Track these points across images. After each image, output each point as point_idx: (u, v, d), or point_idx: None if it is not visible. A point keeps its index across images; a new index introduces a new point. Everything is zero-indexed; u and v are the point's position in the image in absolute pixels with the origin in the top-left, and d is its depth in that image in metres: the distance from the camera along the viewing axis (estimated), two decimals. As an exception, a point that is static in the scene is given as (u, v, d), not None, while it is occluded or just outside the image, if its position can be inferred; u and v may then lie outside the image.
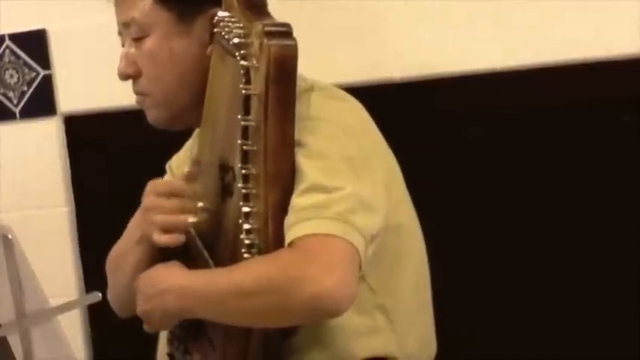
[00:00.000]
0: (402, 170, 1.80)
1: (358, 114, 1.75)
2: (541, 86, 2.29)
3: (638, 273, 2.25)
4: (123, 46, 1.81)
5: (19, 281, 2.47)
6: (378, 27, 2.38)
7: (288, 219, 1.54)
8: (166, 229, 1.66)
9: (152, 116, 1.81)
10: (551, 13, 2.27)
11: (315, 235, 1.51)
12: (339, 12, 2.39)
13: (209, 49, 1.72)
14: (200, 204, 1.69)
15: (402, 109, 2.34)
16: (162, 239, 1.66)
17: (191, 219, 1.66)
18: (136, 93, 1.81)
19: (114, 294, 1.93)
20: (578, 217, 2.31)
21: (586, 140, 2.29)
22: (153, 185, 1.73)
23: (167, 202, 1.68)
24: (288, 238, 1.53)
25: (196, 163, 1.75)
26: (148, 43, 1.75)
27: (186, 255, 1.73)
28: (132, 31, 1.77)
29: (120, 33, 1.81)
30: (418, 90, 2.36)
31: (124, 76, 1.79)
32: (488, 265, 2.36)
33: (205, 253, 1.69)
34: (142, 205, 1.74)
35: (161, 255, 1.77)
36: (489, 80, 2.31)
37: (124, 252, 1.85)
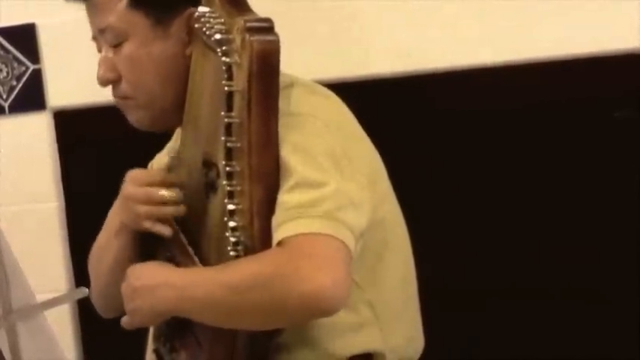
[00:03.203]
0: (391, 166, 1.79)
1: (339, 110, 1.75)
2: (532, 82, 2.30)
3: (635, 271, 2.25)
4: (99, 51, 1.79)
5: (5, 276, 2.47)
6: (367, 23, 2.39)
7: (277, 217, 1.54)
8: (149, 218, 1.70)
9: (134, 118, 1.81)
10: (542, 10, 2.27)
11: (305, 234, 1.50)
12: (327, 8, 2.39)
13: (188, 50, 1.71)
14: (178, 193, 1.71)
15: (390, 105, 2.35)
16: (156, 227, 1.70)
17: (174, 209, 1.70)
18: (117, 97, 1.80)
19: (97, 291, 1.93)
20: (571, 213, 2.32)
21: (577, 136, 2.29)
22: (134, 175, 1.75)
23: (146, 190, 1.70)
24: (277, 237, 1.52)
25: (175, 156, 1.79)
26: (127, 49, 1.74)
27: (170, 251, 1.72)
28: (108, 38, 1.75)
29: (94, 38, 1.80)
30: (407, 86, 2.36)
31: (104, 82, 1.78)
32: (481, 261, 2.37)
33: (190, 250, 1.68)
34: (121, 193, 1.76)
35: (142, 247, 1.77)
36: (480, 76, 2.32)
37: (104, 245, 1.86)
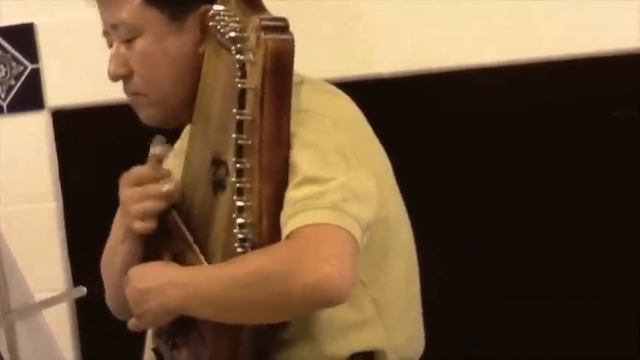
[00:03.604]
0: (394, 165, 1.80)
1: (348, 107, 1.75)
2: (532, 82, 2.31)
3: (635, 271, 2.26)
4: (110, 46, 1.78)
5: (3, 276, 2.46)
6: (369, 23, 2.39)
7: (284, 213, 1.54)
8: (142, 216, 1.71)
9: (145, 115, 1.79)
10: (543, 10, 2.28)
11: (310, 225, 1.50)
12: (329, 8, 2.40)
13: (201, 48, 1.71)
14: (170, 184, 1.74)
15: (394, 105, 2.35)
16: (137, 227, 1.71)
17: (166, 203, 1.72)
18: (128, 93, 1.79)
19: (111, 298, 1.92)
20: (573, 212, 2.32)
21: (577, 136, 2.30)
22: (125, 178, 1.76)
23: (138, 190, 1.72)
24: (285, 232, 1.52)
25: (160, 140, 1.80)
26: (140, 44, 1.72)
27: (175, 249, 1.73)
28: (121, 33, 1.73)
29: (105, 33, 1.78)
30: (411, 86, 2.37)
31: (115, 77, 1.76)
32: (482, 260, 2.37)
33: (196, 248, 1.68)
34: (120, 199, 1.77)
35: (148, 251, 1.77)
36: (482, 76, 2.32)
37: (112, 251, 1.85)
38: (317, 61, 2.24)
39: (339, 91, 1.78)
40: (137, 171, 1.77)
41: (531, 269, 2.35)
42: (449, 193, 2.37)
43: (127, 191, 1.74)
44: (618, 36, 2.24)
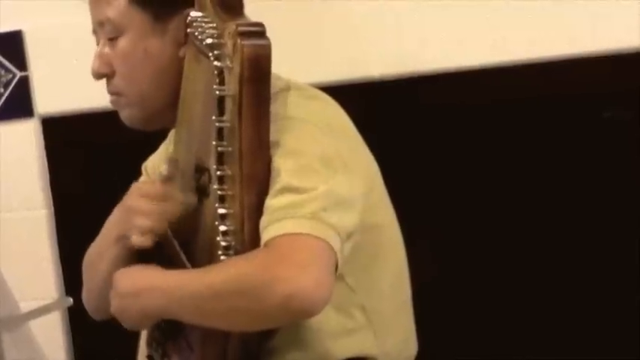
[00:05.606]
0: (383, 167, 1.80)
1: (335, 114, 1.75)
2: (522, 82, 2.31)
3: (633, 270, 2.26)
4: (98, 44, 1.80)
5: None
6: (358, 25, 2.39)
7: (262, 220, 1.54)
8: (144, 232, 1.68)
9: (126, 116, 1.80)
10: (533, 10, 2.27)
11: (287, 235, 1.50)
12: (317, 10, 2.40)
13: (181, 51, 1.71)
14: (181, 203, 1.71)
15: (381, 107, 2.35)
16: (137, 241, 1.68)
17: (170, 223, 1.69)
18: (110, 93, 1.80)
19: (88, 294, 1.92)
20: (569, 211, 2.33)
21: (566, 136, 2.30)
22: (138, 187, 1.74)
23: (151, 205, 1.69)
24: (263, 239, 1.52)
25: (173, 162, 1.76)
26: (122, 43, 1.74)
27: (163, 255, 1.72)
28: (106, 31, 1.76)
29: (94, 32, 1.80)
30: (397, 87, 2.37)
31: (97, 76, 1.78)
32: (476, 261, 2.37)
33: (182, 255, 1.68)
34: (123, 203, 1.74)
35: (137, 255, 1.77)
36: (471, 77, 2.33)
37: (100, 251, 1.84)
38: (308, 64, 2.25)
39: (326, 97, 1.78)
40: (153, 186, 1.76)
41: (524, 268, 2.35)
42: (441, 194, 2.38)
43: (138, 201, 1.71)
44: (611, 36, 2.24)
